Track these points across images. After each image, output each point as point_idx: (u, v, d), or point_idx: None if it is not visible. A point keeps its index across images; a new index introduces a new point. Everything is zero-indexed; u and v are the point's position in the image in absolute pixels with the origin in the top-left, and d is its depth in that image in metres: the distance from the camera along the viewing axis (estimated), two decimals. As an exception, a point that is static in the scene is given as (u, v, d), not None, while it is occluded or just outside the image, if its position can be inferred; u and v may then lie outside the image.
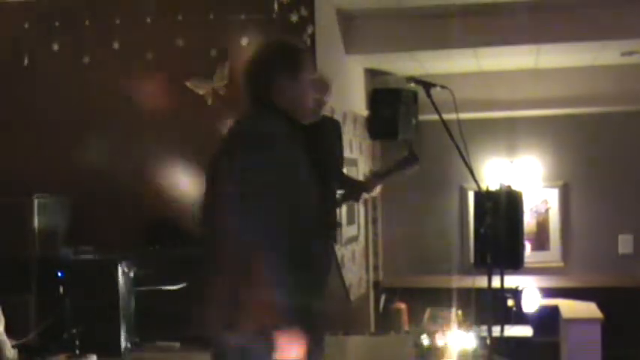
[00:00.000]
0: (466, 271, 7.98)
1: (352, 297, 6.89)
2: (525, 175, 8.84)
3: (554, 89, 8.61)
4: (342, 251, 6.82)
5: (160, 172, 6.12)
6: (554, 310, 7.33)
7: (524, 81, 8.64)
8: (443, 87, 4.80)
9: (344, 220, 6.93)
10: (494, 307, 5.09)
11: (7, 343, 5.04)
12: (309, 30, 6.04)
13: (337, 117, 6.52)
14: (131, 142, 6.21)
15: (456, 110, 4.70)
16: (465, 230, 8.68)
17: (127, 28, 6.22)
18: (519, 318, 6.77)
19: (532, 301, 6.97)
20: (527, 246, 7.25)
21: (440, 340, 5.58)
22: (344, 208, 6.82)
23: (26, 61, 6.34)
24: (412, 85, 4.89)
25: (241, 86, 3.49)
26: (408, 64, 7.85)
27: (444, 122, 4.65)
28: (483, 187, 4.87)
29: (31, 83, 6.34)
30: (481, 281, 4.95)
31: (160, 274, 5.77)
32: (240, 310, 3.08)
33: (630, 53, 7.83)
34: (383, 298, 8.24)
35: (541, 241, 8.94)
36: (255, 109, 3.43)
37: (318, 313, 3.40)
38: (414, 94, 5.29)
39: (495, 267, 4.96)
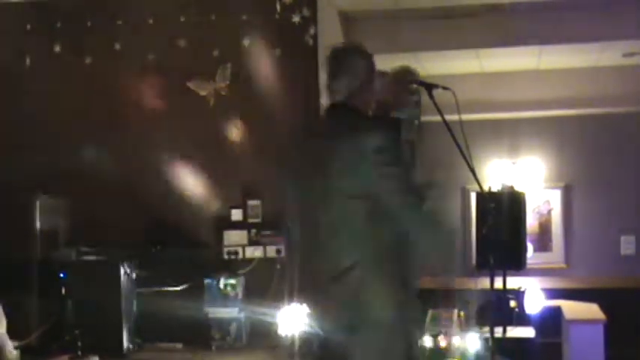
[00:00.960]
0: (469, 272, 7.97)
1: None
2: (528, 176, 8.83)
3: (556, 90, 8.59)
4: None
5: (162, 172, 6.12)
6: (557, 311, 7.31)
7: (527, 82, 8.62)
8: (445, 88, 4.79)
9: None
10: (497, 309, 5.09)
11: (9, 344, 5.03)
12: (312, 31, 6.03)
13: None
14: (133, 142, 6.20)
15: (459, 111, 4.69)
16: (468, 231, 8.66)
17: (129, 29, 6.23)
18: (522, 319, 6.75)
19: (534, 302, 6.95)
20: (530, 247, 7.23)
21: (442, 342, 5.57)
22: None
23: (28, 62, 6.34)
24: (414, 86, 4.87)
25: (325, 89, 3.69)
26: (410, 65, 7.83)
27: (446, 123, 4.64)
28: (486, 188, 4.86)
29: (33, 84, 6.34)
30: (483, 282, 4.95)
31: (162, 275, 5.78)
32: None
33: (632, 54, 7.83)
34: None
35: (543, 242, 8.93)
36: (340, 111, 3.61)
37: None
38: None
39: (498, 268, 4.96)
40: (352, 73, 3.63)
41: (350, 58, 3.71)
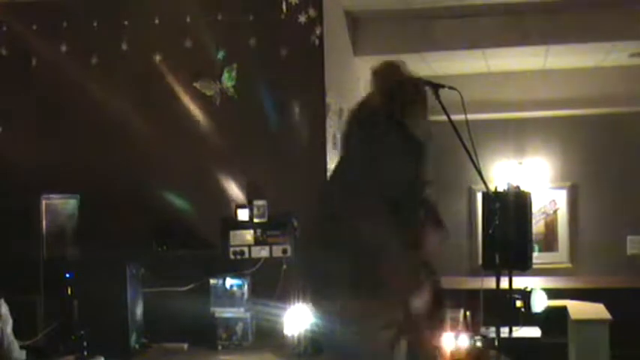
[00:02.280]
0: (474, 272, 7.97)
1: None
2: (533, 176, 8.82)
3: (562, 90, 8.59)
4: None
5: (169, 172, 6.13)
6: (563, 311, 7.30)
7: (533, 82, 8.62)
8: (451, 88, 4.79)
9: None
10: (503, 308, 5.08)
11: (16, 344, 5.04)
12: (318, 31, 6.04)
13: (343, 118, 6.53)
14: (139, 142, 6.20)
15: (465, 111, 4.70)
16: (474, 231, 8.66)
17: (136, 29, 6.23)
18: (527, 319, 6.75)
19: (540, 302, 6.95)
20: (536, 247, 7.23)
21: (448, 341, 5.57)
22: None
23: (34, 62, 6.35)
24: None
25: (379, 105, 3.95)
26: (417, 66, 7.82)
27: (452, 123, 4.64)
28: (492, 188, 4.86)
29: (40, 84, 6.34)
30: (489, 282, 4.95)
31: (168, 275, 5.78)
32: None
33: (639, 54, 7.82)
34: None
35: (549, 241, 8.92)
36: (388, 122, 3.92)
37: None
38: (422, 95, 5.28)
39: (504, 268, 4.95)
40: (384, 86, 3.91)
41: (384, 72, 3.96)
